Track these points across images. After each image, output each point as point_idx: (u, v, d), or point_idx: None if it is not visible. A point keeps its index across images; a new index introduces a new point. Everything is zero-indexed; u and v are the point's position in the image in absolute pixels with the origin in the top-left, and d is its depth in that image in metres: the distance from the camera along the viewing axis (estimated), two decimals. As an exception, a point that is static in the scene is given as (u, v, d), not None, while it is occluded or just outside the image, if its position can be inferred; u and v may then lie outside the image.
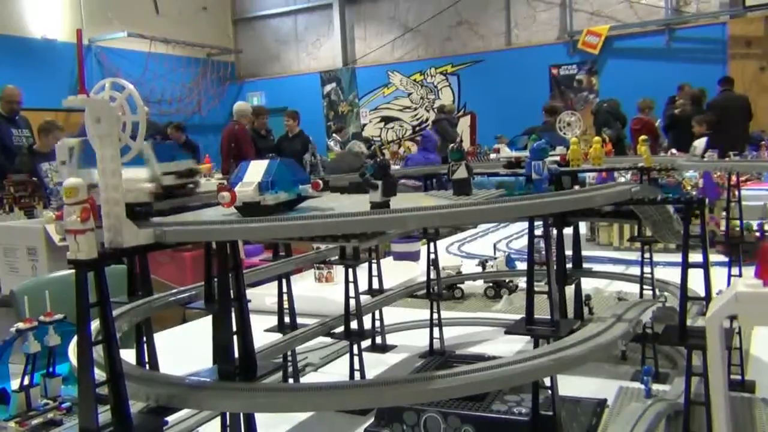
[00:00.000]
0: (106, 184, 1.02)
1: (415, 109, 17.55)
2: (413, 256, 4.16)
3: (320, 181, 1.35)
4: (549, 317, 1.43)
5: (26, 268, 5.07)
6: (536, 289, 1.47)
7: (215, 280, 1.45)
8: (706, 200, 1.50)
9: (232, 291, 1.34)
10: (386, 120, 17.88)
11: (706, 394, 1.35)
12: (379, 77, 17.67)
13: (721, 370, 0.76)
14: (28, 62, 13.59)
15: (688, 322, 1.49)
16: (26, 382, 1.99)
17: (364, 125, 17.86)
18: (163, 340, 1.97)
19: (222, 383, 1.24)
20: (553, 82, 15.37)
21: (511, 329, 1.43)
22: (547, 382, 1.47)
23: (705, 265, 1.47)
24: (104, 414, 1.08)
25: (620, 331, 1.32)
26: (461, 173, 1.38)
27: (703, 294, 1.62)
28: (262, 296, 2.69)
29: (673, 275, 2.56)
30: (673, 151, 6.97)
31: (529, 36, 15.99)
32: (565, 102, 14.69)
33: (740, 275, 2.48)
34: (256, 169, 1.31)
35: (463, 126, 15.85)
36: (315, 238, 1.07)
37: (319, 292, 3.28)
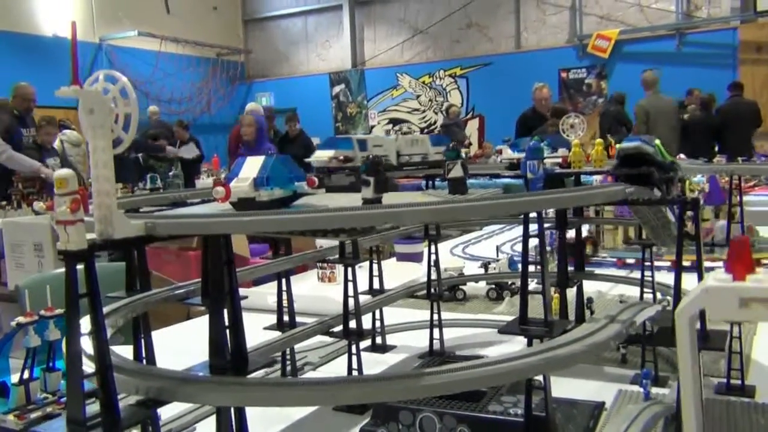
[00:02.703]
0: (97, 175, 1.02)
1: (424, 111, 17.55)
2: (416, 258, 4.16)
3: (316, 179, 1.35)
4: (542, 318, 1.43)
5: (32, 264, 5.09)
6: (532, 289, 1.46)
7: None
8: (701, 201, 1.49)
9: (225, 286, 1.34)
10: (394, 122, 17.89)
11: (699, 397, 1.34)
12: (388, 79, 17.68)
13: (691, 366, 0.75)
14: (38, 60, 13.67)
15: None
16: (26, 375, 2.00)
17: (372, 127, 17.87)
18: (165, 337, 1.98)
19: (211, 377, 1.24)
20: (562, 86, 15.32)
21: (504, 329, 1.42)
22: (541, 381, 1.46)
23: (698, 267, 1.46)
24: (93, 406, 1.08)
25: (613, 332, 1.32)
26: (457, 172, 1.37)
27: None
28: (264, 295, 2.69)
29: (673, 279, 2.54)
30: (681, 155, 6.93)
31: (538, 39, 15.96)
32: (574, 106, 14.64)
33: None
34: (252, 166, 1.32)
35: (472, 129, 15.84)
36: (306, 233, 1.08)
37: (320, 292, 3.29)
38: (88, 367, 1.10)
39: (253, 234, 2.46)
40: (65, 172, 0.99)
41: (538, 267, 1.65)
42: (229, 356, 1.30)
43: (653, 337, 1.50)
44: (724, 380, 2.05)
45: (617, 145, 1.82)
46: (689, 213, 1.60)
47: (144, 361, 1.68)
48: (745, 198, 2.90)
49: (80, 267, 1.04)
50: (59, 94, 1.03)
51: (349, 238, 1.23)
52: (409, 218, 1.12)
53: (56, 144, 9.11)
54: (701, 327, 1.39)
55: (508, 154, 2.55)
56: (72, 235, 0.99)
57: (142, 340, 1.73)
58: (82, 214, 1.00)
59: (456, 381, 1.11)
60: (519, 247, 4.64)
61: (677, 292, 1.44)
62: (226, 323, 1.35)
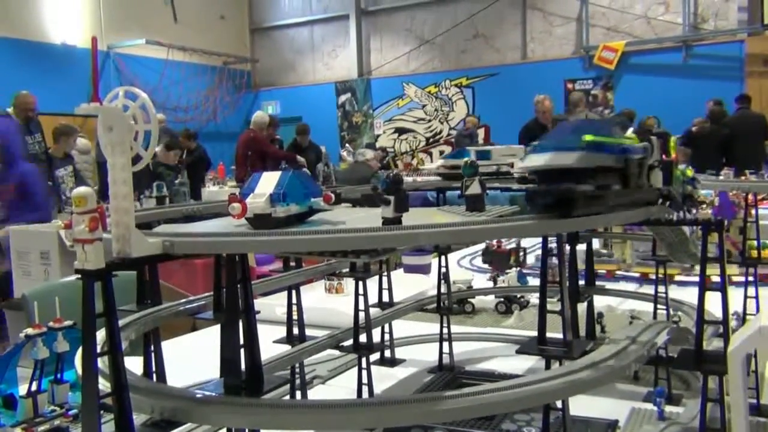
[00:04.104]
0: (116, 193, 1.01)
1: (429, 121, 17.56)
2: (424, 269, 4.14)
3: (332, 194, 1.34)
4: (561, 337, 1.41)
5: (39, 272, 5.09)
6: (548, 307, 1.44)
7: (224, 290, 1.44)
8: (725, 222, 1.47)
9: (240, 303, 1.33)
10: (400, 131, 17.91)
11: (722, 420, 1.32)
12: (394, 88, 17.71)
13: (743, 402, 0.74)
14: (47, 67, 13.74)
15: (703, 345, 1.45)
16: (34, 387, 1.99)
17: (378, 136, 17.89)
18: (172, 348, 1.97)
19: (227, 398, 1.22)
20: (568, 97, 15.31)
21: (522, 349, 1.40)
22: (558, 403, 1.44)
23: (723, 289, 1.43)
24: (108, 424, 1.07)
25: (634, 355, 1.30)
26: (474, 189, 1.36)
27: (717, 315, 1.59)
28: (273, 306, 2.68)
29: (685, 295, 2.52)
30: (690, 168, 6.90)
31: (544, 50, 15.97)
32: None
33: (756, 296, 2.44)
34: (267, 181, 1.30)
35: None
36: (324, 253, 1.06)
37: (328, 304, 3.27)
38: (102, 386, 1.08)
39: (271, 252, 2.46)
40: (84, 190, 0.98)
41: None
42: (243, 375, 1.28)
43: (674, 360, 1.47)
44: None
45: (521, 160, 1.43)
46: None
47: (154, 376, 1.66)
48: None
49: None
50: (79, 112, 1.02)
51: (370, 259, 1.21)
52: (431, 240, 1.10)
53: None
54: (725, 350, 1.36)
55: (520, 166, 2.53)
56: (90, 253, 0.97)
57: (152, 354, 1.72)
58: (100, 232, 0.98)
59: (476, 405, 1.09)
60: (527, 260, 4.62)
61: (700, 315, 1.42)
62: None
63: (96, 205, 0.98)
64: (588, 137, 1.25)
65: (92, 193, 0.99)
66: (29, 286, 4.17)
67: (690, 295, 2.53)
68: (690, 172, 1.79)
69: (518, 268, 3.97)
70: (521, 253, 4.15)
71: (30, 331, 1.99)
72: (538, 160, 1.26)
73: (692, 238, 1.89)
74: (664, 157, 1.54)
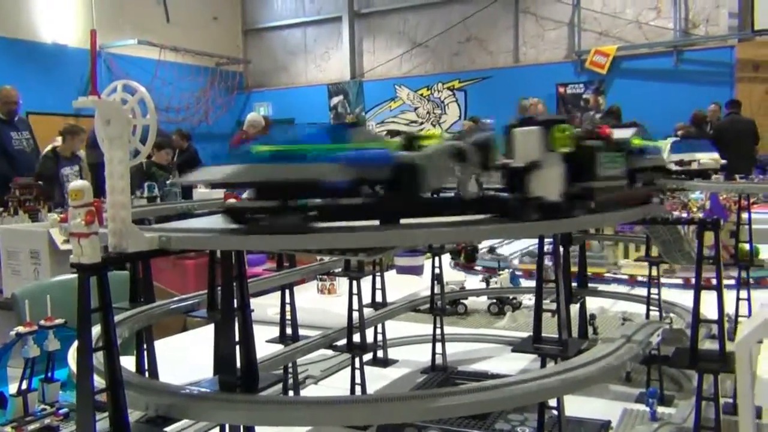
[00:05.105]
0: (113, 187, 1.00)
1: (422, 123, 17.56)
2: (417, 271, 4.14)
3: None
4: (555, 336, 1.41)
5: (29, 272, 5.06)
6: (544, 307, 1.44)
7: (218, 288, 1.44)
8: (721, 221, 1.48)
9: (235, 300, 1.32)
10: (392, 134, 17.76)
11: (716, 419, 1.33)
12: (386, 91, 17.71)
13: (750, 393, 0.74)
14: (38, 67, 13.66)
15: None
16: (24, 386, 1.98)
17: (370, 138, 17.87)
18: (163, 348, 1.96)
19: (222, 394, 1.21)
20: (560, 101, 15.38)
21: (518, 347, 1.40)
22: (553, 402, 1.45)
23: (718, 288, 1.44)
24: (102, 422, 1.06)
25: (630, 353, 1.30)
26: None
27: (710, 316, 1.60)
28: (265, 306, 2.67)
29: (676, 296, 2.54)
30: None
31: (537, 54, 16.03)
32: (571, 121, 14.66)
33: (749, 298, 2.45)
34: (263, 178, 1.29)
35: (469, 142, 15.81)
36: (322, 251, 1.05)
37: (321, 304, 3.26)
38: (96, 382, 1.07)
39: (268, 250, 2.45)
40: (81, 183, 0.98)
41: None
42: (238, 372, 1.28)
43: (670, 359, 1.48)
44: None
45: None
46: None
47: (146, 374, 1.65)
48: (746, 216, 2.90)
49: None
50: (77, 105, 1.01)
51: (367, 257, 1.21)
52: (428, 239, 1.10)
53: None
54: (720, 348, 1.37)
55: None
56: (86, 248, 0.97)
57: (145, 352, 1.71)
58: (96, 226, 0.98)
59: (471, 402, 1.09)
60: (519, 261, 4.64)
61: (696, 314, 1.43)
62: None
63: (92, 198, 0.98)
64: (261, 148, 1.05)
65: (89, 187, 0.99)
66: (19, 285, 4.14)
67: (679, 296, 2.55)
68: (638, 141, 1.49)
69: (470, 264, 4.41)
70: (474, 252, 4.56)
71: (21, 329, 1.99)
72: (203, 174, 1.11)
73: (687, 238, 1.90)
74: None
